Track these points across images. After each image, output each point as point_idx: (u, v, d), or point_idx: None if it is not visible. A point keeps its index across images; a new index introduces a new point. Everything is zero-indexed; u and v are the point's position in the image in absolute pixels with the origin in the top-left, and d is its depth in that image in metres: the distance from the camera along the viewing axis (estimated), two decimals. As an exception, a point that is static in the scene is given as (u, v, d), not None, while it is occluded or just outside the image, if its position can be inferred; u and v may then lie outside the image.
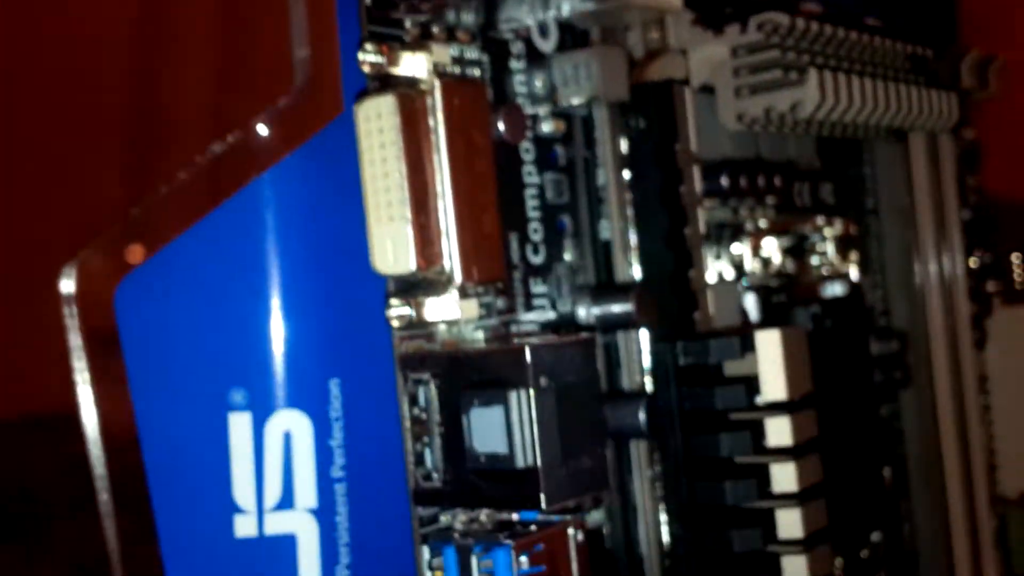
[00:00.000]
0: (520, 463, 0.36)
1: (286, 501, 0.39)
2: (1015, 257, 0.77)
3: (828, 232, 0.61)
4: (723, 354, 0.43)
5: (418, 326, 0.39)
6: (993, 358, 0.75)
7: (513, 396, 0.36)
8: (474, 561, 0.38)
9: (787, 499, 0.44)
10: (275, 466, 0.39)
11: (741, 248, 0.55)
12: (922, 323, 0.66)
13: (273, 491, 0.39)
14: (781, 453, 0.44)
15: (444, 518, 0.40)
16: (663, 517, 0.46)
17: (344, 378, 0.39)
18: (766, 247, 0.56)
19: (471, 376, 0.37)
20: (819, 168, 0.61)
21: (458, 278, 0.37)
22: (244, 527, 0.39)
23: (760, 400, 0.44)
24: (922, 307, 0.66)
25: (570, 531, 0.39)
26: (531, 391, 0.36)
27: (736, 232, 0.55)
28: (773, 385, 0.44)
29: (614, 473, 0.46)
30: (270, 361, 0.39)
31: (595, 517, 0.46)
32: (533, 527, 0.39)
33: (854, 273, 0.63)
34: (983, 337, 0.74)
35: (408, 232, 0.36)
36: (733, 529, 0.43)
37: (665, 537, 0.46)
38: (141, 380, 0.40)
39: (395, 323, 0.37)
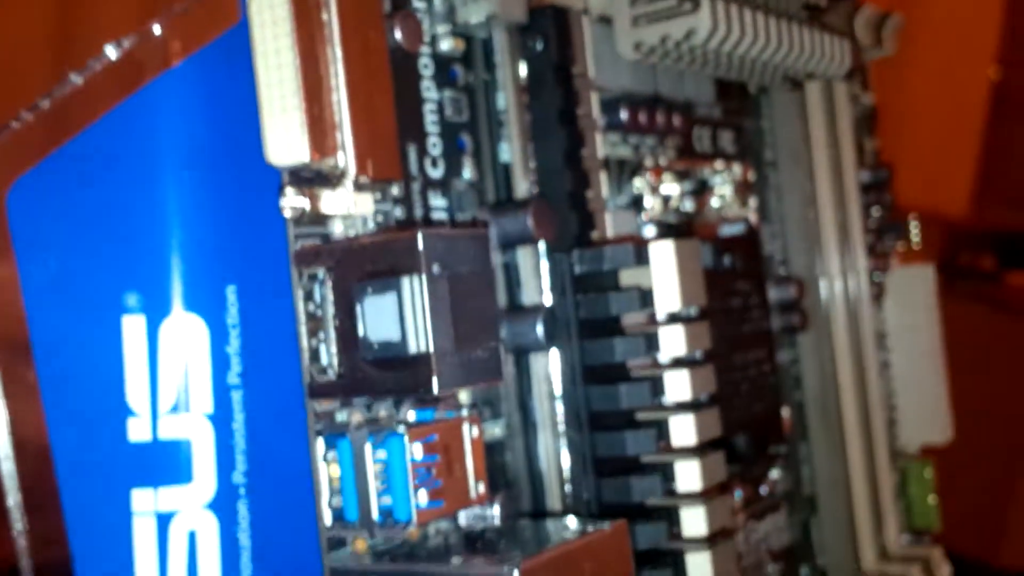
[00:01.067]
0: (413, 349, 0.37)
1: (181, 405, 0.39)
2: (912, 218, 0.79)
3: (727, 176, 0.62)
4: (618, 260, 0.44)
5: (314, 221, 0.39)
6: (890, 315, 0.77)
7: (406, 282, 0.37)
8: (367, 450, 0.38)
9: (682, 408, 0.45)
10: (170, 370, 0.39)
11: (641, 185, 0.56)
12: (820, 272, 0.68)
13: (168, 395, 0.39)
14: (676, 364, 0.45)
15: (340, 416, 0.41)
16: (562, 431, 0.47)
17: (241, 285, 0.39)
18: (665, 186, 0.57)
19: (365, 267, 0.38)
20: (719, 117, 0.62)
21: (352, 171, 0.38)
22: (137, 431, 0.39)
23: (655, 311, 0.45)
24: (820, 257, 0.68)
25: (466, 426, 0.40)
26: (423, 277, 0.36)
27: (636, 169, 0.56)
28: (667, 295, 0.45)
29: (515, 392, 0.47)
30: (164, 263, 0.39)
31: (495, 432, 0.47)
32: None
33: (752, 218, 0.64)
34: (880, 292, 0.76)
35: (301, 121, 0.37)
36: (628, 432, 0.43)
37: (564, 454, 0.47)
38: (33, 283, 0.40)
39: (288, 213, 0.38)
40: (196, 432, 0.38)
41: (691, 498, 0.45)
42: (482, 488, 0.40)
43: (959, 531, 0.93)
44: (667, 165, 0.58)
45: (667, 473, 0.45)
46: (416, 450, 0.38)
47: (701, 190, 0.61)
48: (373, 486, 0.38)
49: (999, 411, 1.15)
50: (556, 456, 0.46)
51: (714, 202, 0.61)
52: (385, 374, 0.37)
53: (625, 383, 0.43)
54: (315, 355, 0.39)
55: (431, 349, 0.36)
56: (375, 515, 0.38)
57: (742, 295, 0.59)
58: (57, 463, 0.39)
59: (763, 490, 0.63)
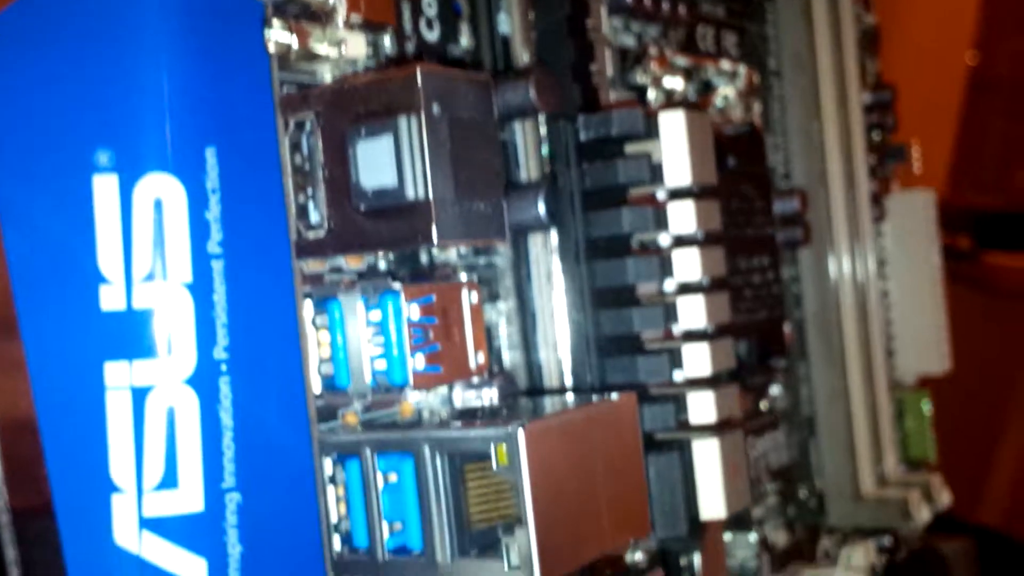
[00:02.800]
0: (410, 195, 0.34)
1: (157, 273, 0.36)
2: (915, 143, 0.77)
3: (731, 77, 0.60)
4: (627, 125, 0.41)
5: (303, 58, 0.36)
6: (890, 242, 0.75)
7: (403, 122, 0.34)
8: (359, 309, 0.35)
9: (691, 289, 0.42)
10: (145, 233, 0.36)
11: (644, 77, 0.53)
12: (823, 186, 0.65)
13: (143, 261, 0.36)
14: (685, 242, 0.42)
15: (331, 278, 0.38)
16: (563, 313, 0.44)
17: (222, 143, 0.36)
18: (668, 79, 0.55)
19: (357, 109, 0.35)
20: (723, 16, 0.60)
21: (343, 6, 0.35)
22: (110, 299, 0.36)
23: (664, 186, 0.42)
24: (823, 170, 0.65)
25: (464, 291, 0.37)
26: (422, 116, 0.33)
27: (639, 58, 0.53)
28: (677, 168, 0.42)
29: (512, 276, 0.44)
30: (137, 118, 0.36)
31: (490, 316, 0.44)
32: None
33: (756, 121, 0.62)
34: (882, 214, 0.74)
35: (288, -56, 0.34)
36: (635, 309, 0.41)
37: (565, 339, 0.44)
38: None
39: (273, 47, 0.35)
40: (174, 302, 0.35)
41: (699, 384, 0.42)
42: (482, 358, 0.37)
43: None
44: (671, 56, 0.55)
45: (675, 358, 0.42)
46: (413, 311, 0.35)
47: (704, 90, 0.58)
48: (367, 349, 0.35)
49: (974, 389, 1.14)
50: (555, 343, 0.44)
51: (718, 102, 0.59)
52: (380, 224, 0.34)
53: (632, 257, 0.41)
54: (303, 211, 0.37)
55: (430, 195, 0.33)
56: (368, 379, 0.35)
57: (746, 198, 0.56)
58: (23, 330, 0.36)
59: (763, 405, 0.61)
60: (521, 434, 0.33)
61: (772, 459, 0.62)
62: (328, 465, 0.36)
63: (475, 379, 0.37)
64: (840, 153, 0.65)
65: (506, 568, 0.33)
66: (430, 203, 0.34)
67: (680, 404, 0.42)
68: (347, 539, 0.37)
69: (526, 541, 0.33)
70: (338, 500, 0.36)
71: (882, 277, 0.75)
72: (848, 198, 0.66)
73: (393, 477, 0.35)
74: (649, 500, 0.42)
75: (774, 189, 0.63)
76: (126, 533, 0.35)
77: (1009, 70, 1.32)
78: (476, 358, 0.37)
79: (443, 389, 0.38)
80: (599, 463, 0.36)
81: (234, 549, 0.36)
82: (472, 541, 0.35)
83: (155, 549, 0.35)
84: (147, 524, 0.35)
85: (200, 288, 0.36)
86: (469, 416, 0.37)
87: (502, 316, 0.44)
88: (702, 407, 0.42)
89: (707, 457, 0.42)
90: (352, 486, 0.36)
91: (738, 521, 0.54)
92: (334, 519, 0.36)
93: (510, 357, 0.44)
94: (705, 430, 0.42)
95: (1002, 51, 1.32)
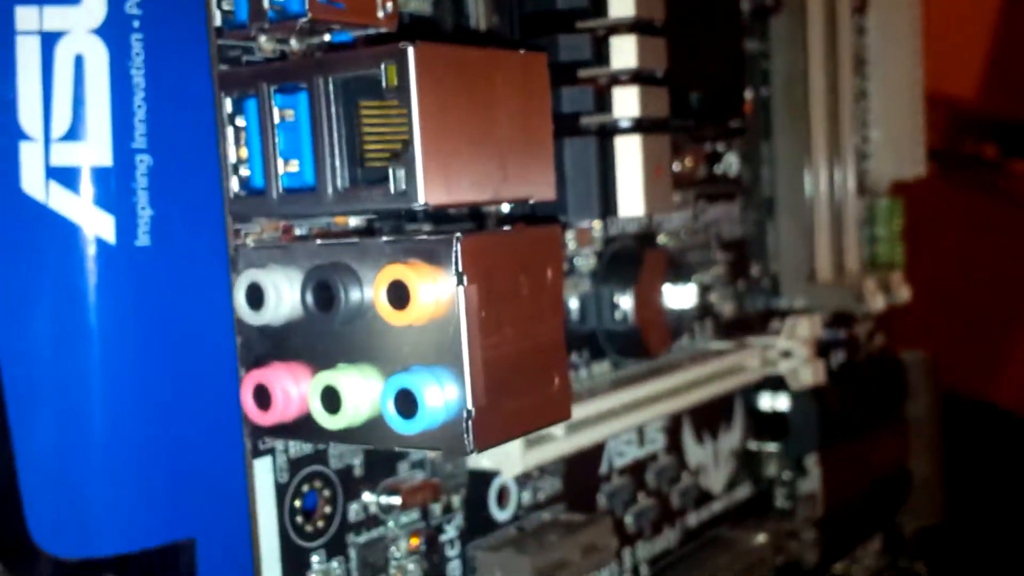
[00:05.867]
0: None
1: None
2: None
3: None
4: None
5: None
6: (872, 39, 0.73)
7: None
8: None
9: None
10: None
11: None
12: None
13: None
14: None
15: None
16: None
17: None
18: None
19: None
20: None
21: None
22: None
23: None
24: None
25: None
26: None
27: None
28: None
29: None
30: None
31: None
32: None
33: None
34: (864, 5, 0.72)
35: None
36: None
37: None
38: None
39: None
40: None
41: (625, 79, 0.41)
42: (390, 7, 0.36)
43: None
44: None
45: (600, 47, 0.41)
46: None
47: None
48: (264, -23, 0.34)
49: (997, 295, 1.14)
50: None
51: None
52: None
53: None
54: None
55: None
56: (267, 7, 0.34)
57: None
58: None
59: (718, 169, 0.60)
60: (411, 50, 0.32)
61: (724, 230, 0.61)
62: (228, 105, 0.35)
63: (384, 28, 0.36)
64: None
65: (392, 191, 0.32)
66: None
67: (605, 98, 0.41)
68: (245, 183, 0.36)
69: (412, 163, 0.32)
70: (237, 143, 0.36)
71: (862, 76, 0.73)
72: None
73: (290, 114, 0.34)
74: (563, 185, 0.42)
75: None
76: (33, 181, 0.35)
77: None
78: (384, 7, 0.36)
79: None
80: (501, 110, 0.35)
81: (144, 212, 0.35)
82: (364, 177, 0.34)
83: (62, 200, 0.35)
84: (54, 174, 0.35)
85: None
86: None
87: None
88: (626, 102, 0.41)
89: (629, 154, 0.42)
90: (251, 126, 0.35)
91: (676, 274, 0.53)
92: (232, 160, 0.36)
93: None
94: (630, 128, 0.41)
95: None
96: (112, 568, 0.37)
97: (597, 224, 0.50)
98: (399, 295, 0.33)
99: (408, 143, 0.32)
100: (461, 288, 0.32)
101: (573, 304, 0.50)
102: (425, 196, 0.32)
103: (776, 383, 0.61)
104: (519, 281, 0.34)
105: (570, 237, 0.49)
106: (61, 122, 0.35)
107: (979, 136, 1.32)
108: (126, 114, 0.35)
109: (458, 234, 0.32)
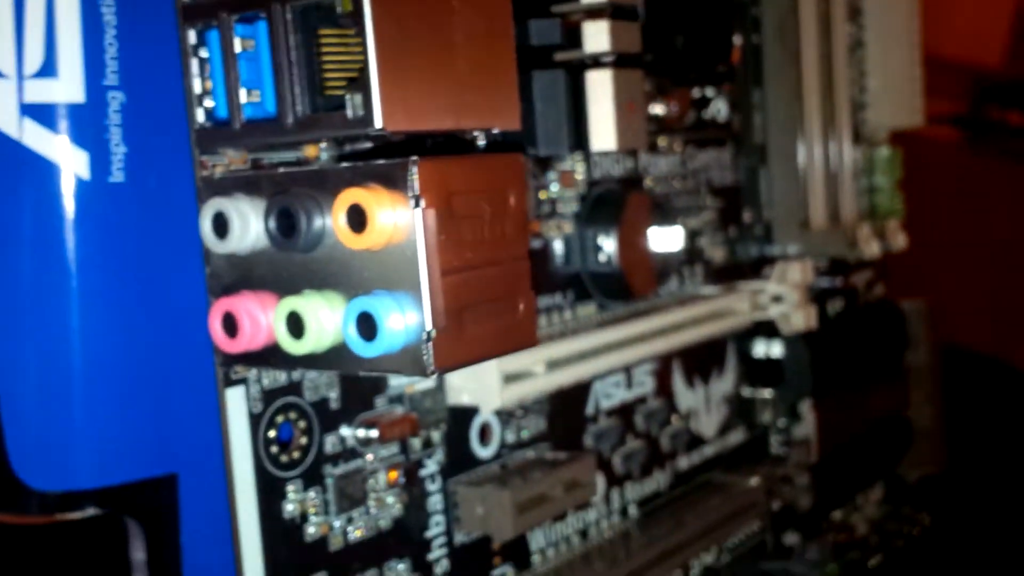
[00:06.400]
0: None
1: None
2: None
3: None
4: None
5: None
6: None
7: None
8: None
9: None
10: None
11: None
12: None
13: None
14: None
15: None
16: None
17: None
18: None
19: None
20: None
21: None
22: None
23: None
24: None
25: None
26: None
27: None
28: None
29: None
30: None
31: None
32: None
33: None
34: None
35: None
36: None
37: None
38: None
39: None
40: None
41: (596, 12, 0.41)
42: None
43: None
44: None
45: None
46: None
47: None
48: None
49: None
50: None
51: None
52: None
53: None
54: None
55: None
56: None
57: None
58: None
59: (706, 114, 0.60)
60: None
61: (715, 176, 0.61)
62: (192, 37, 0.36)
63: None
64: None
65: (349, 115, 0.33)
66: None
67: (576, 32, 0.41)
68: (210, 115, 0.36)
69: (368, 89, 0.32)
70: (202, 75, 0.36)
71: (858, 26, 0.73)
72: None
73: (250, 44, 0.35)
74: (533, 118, 0.42)
75: None
76: (8, 118, 0.35)
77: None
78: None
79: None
80: (460, 37, 0.35)
81: (118, 148, 0.36)
82: (324, 104, 0.34)
83: (36, 136, 0.35)
84: (28, 110, 0.35)
85: None
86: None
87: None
88: (597, 37, 0.41)
89: (600, 88, 0.42)
90: (213, 58, 0.36)
91: (661, 216, 0.53)
92: (197, 92, 0.36)
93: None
94: (601, 63, 0.41)
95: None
96: (94, 500, 0.37)
97: (580, 167, 0.51)
98: (358, 219, 0.33)
99: (364, 69, 0.32)
100: (418, 211, 0.33)
101: (558, 246, 0.51)
102: (382, 121, 0.33)
103: (771, 330, 0.62)
104: (480, 207, 0.35)
105: (553, 179, 0.49)
106: (33, 60, 0.35)
107: (1004, 103, 1.31)
108: (97, 51, 0.36)
109: (414, 157, 0.33)
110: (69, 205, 0.36)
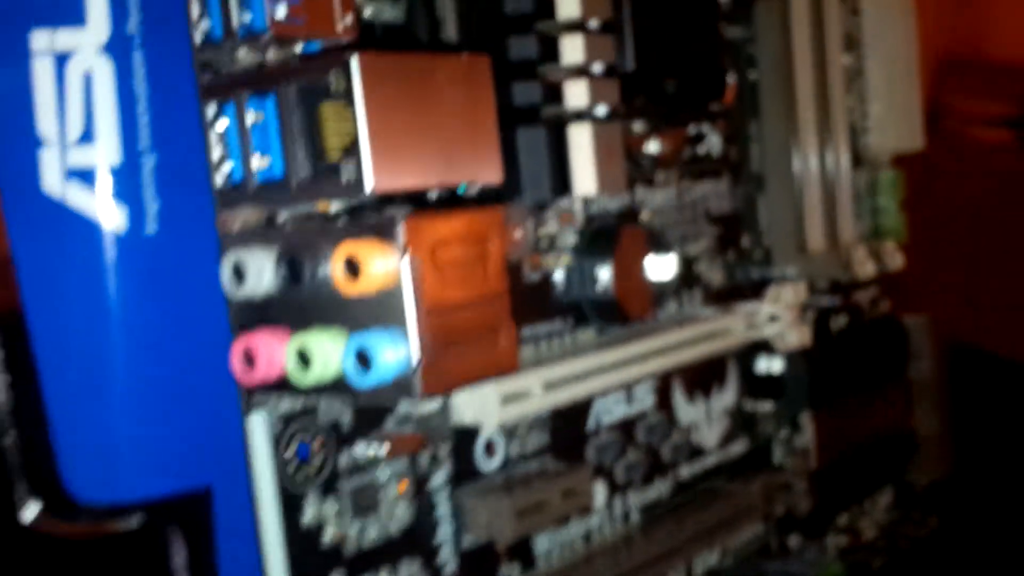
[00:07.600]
0: None
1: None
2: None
3: None
4: None
5: None
6: (868, 19, 0.77)
7: None
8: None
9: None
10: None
11: None
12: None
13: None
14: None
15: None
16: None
17: None
18: None
19: None
20: None
21: None
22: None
23: None
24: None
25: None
26: None
27: None
28: None
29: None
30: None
31: None
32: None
33: None
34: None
35: None
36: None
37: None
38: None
39: None
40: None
41: (575, 72, 0.46)
42: (349, 20, 0.41)
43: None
44: None
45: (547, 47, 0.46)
46: (280, -41, 0.39)
47: None
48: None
49: None
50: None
51: None
52: None
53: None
54: None
55: None
56: (236, 27, 0.40)
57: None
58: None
59: (700, 150, 0.64)
60: (354, 60, 0.37)
61: (713, 205, 0.66)
62: (211, 109, 0.42)
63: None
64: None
65: (343, 182, 0.38)
66: None
67: (556, 91, 0.46)
68: (228, 177, 0.42)
69: (359, 157, 0.38)
70: (221, 143, 0.42)
71: (857, 55, 0.77)
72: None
73: (261, 117, 0.40)
74: (518, 171, 0.47)
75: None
76: (52, 182, 0.41)
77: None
78: (344, 20, 0.41)
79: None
80: (445, 107, 0.40)
81: (151, 204, 0.42)
82: (324, 170, 0.40)
83: (79, 197, 0.41)
84: (72, 174, 0.41)
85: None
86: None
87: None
88: (576, 95, 0.46)
89: (581, 141, 0.47)
90: (230, 128, 0.41)
91: (654, 246, 0.58)
92: (216, 158, 0.42)
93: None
94: (580, 115, 0.46)
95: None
96: (138, 512, 0.43)
97: (578, 205, 0.56)
98: (353, 268, 0.38)
99: (355, 140, 0.38)
100: (406, 260, 0.38)
101: (559, 276, 0.56)
102: (372, 185, 0.38)
103: (769, 348, 0.66)
104: (462, 253, 0.40)
105: (551, 217, 0.54)
106: (74, 128, 0.41)
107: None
108: (131, 118, 0.41)
109: (403, 213, 0.38)
110: (111, 255, 0.41)
